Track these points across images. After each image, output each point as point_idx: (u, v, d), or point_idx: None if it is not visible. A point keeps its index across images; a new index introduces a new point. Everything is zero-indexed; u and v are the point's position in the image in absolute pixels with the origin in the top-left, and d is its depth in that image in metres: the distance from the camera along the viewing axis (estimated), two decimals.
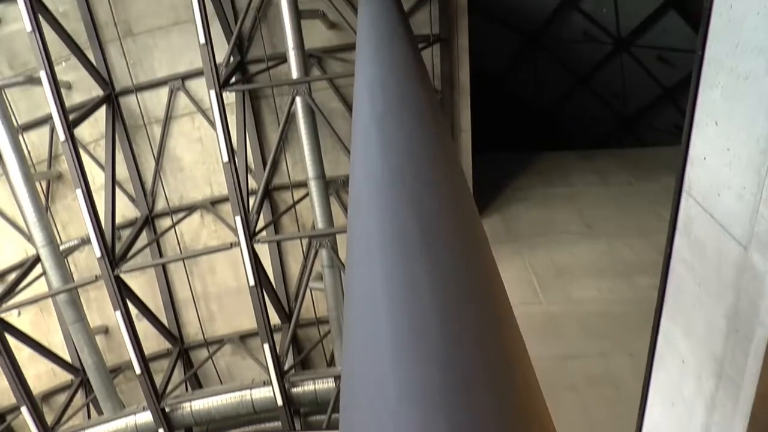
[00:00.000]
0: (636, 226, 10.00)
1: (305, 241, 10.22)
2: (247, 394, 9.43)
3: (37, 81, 8.78)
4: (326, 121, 8.85)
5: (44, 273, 9.02)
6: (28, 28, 7.91)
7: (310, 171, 8.88)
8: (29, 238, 9.61)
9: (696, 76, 3.63)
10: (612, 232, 9.96)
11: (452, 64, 9.53)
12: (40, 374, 10.76)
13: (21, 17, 7.93)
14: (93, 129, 10.13)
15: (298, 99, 8.67)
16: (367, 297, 1.70)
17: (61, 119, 8.29)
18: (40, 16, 8.05)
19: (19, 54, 9.45)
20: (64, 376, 10.75)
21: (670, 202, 10.30)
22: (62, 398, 10.58)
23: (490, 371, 1.35)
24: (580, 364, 7.91)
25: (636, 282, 9.12)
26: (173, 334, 11.15)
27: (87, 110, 9.12)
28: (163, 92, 9.98)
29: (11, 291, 9.05)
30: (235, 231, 8.74)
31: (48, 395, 10.96)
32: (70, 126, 8.37)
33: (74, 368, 10.49)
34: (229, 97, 9.12)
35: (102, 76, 9.71)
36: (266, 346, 8.98)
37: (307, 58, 8.99)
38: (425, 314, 1.48)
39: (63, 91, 8.75)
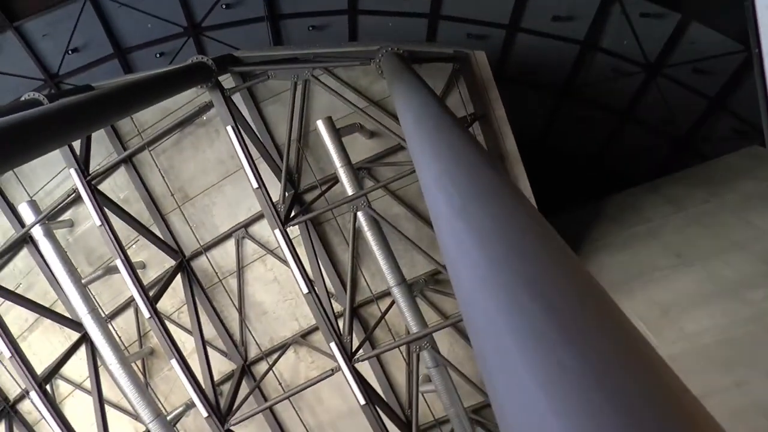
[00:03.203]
0: (728, 241, 9.49)
1: (404, 348, 10.07)
2: None
3: (114, 269, 9.15)
4: (393, 227, 8.89)
5: None
6: (98, 222, 8.41)
7: (390, 279, 8.85)
8: (136, 417, 9.75)
9: (760, 72, 3.51)
10: (705, 255, 9.45)
11: (496, 137, 9.57)
12: None
13: (90, 215, 8.45)
14: (173, 299, 10.39)
15: (359, 214, 8.76)
16: (511, 389, 1.65)
17: (143, 299, 8.59)
18: (105, 209, 8.54)
19: (94, 249, 9.91)
20: None
21: (756, 209, 9.82)
22: None
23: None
24: (720, 401, 7.34)
25: (748, 298, 8.58)
26: None
27: (164, 283, 9.41)
28: (230, 245, 10.24)
29: None
30: (332, 357, 8.69)
31: None
32: (152, 303, 8.64)
33: None
34: (294, 231, 9.27)
35: (171, 246, 10.06)
36: None
37: (357, 172, 9.15)
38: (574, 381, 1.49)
39: (139, 271, 9.09)
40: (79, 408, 10.27)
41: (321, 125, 8.75)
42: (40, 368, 8.74)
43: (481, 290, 2.15)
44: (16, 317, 9.82)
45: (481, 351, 1.97)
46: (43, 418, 8.54)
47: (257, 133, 9.57)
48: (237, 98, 9.21)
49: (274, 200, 8.67)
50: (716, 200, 10.53)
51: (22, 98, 8.12)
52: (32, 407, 9.15)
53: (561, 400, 1.44)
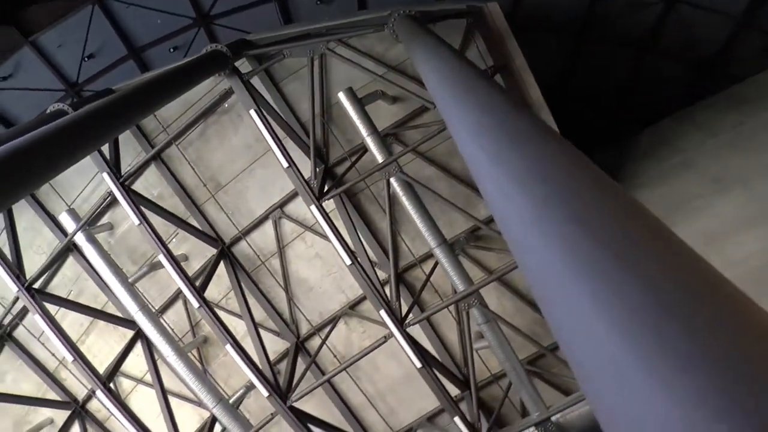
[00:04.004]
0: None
1: (453, 308, 10.12)
2: None
3: (158, 265, 9.33)
4: (427, 188, 8.89)
5: (224, 430, 9.27)
6: (136, 222, 8.59)
7: (431, 241, 8.86)
8: (200, 404, 10.01)
9: None
10: (744, 177, 9.21)
11: (519, 87, 9.45)
12: None
13: (127, 215, 8.63)
14: (219, 286, 10.55)
15: (392, 180, 8.78)
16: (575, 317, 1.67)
17: (190, 290, 8.78)
18: (142, 208, 8.71)
19: (136, 248, 10.08)
20: None
21: None
22: None
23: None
24: None
25: None
26: None
27: (209, 272, 9.55)
28: (268, 226, 10.34)
29: None
30: (383, 324, 8.78)
31: None
32: (200, 292, 8.81)
33: None
34: (329, 205, 9.33)
35: (210, 236, 10.19)
36: (457, 419, 8.88)
37: (384, 138, 9.14)
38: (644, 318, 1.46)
39: (182, 263, 9.25)
40: (143, 402, 10.55)
41: (343, 97, 8.74)
42: (101, 368, 9.00)
43: (530, 231, 2.15)
44: (72, 323, 10.07)
45: (538, 288, 1.98)
46: (112, 414, 8.82)
47: (280, 113, 9.59)
48: (256, 81, 9.23)
49: (305, 177, 8.72)
50: (751, 121, 10.26)
51: (48, 110, 8.24)
52: (100, 405, 9.43)
53: (622, 324, 1.46)
